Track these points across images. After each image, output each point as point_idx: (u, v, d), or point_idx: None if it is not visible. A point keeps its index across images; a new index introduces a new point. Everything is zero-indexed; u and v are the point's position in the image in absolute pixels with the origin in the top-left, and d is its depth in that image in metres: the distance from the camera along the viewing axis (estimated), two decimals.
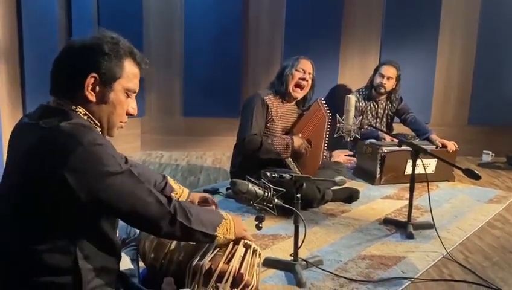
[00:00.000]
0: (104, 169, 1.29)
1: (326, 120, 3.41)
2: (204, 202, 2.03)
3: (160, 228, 1.42)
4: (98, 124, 1.42)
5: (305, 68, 3.47)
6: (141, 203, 1.36)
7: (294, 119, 3.61)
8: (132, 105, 1.47)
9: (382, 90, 4.47)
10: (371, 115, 4.57)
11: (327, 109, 3.44)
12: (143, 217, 1.38)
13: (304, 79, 3.46)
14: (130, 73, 1.42)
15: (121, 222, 1.49)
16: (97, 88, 1.37)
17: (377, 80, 4.48)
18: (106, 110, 1.42)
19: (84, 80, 1.36)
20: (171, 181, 2.02)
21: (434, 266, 2.61)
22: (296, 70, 3.46)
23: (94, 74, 1.36)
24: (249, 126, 3.36)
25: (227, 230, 1.62)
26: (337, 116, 3.23)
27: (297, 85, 3.48)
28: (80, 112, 1.37)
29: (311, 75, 3.51)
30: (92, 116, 1.40)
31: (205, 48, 5.09)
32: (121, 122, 1.47)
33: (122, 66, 1.39)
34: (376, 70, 4.56)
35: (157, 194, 1.42)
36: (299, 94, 3.51)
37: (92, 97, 1.37)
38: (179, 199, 1.98)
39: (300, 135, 3.48)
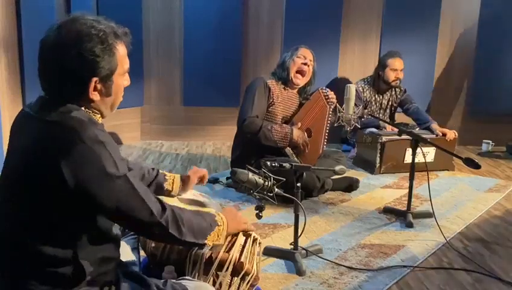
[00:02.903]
0: (102, 170, 1.27)
1: (328, 110, 3.39)
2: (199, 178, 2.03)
3: (150, 235, 1.44)
4: (98, 112, 1.41)
5: (305, 55, 3.51)
6: (131, 210, 1.34)
7: (296, 107, 3.61)
8: (126, 79, 1.45)
9: (399, 83, 4.50)
10: (375, 106, 4.57)
11: (329, 98, 3.42)
12: (133, 223, 1.38)
13: (305, 64, 3.48)
14: (122, 57, 1.39)
15: None
16: (99, 87, 1.36)
17: (391, 76, 4.43)
18: (110, 101, 1.42)
19: (85, 86, 1.34)
20: (162, 171, 2.01)
21: (433, 254, 2.63)
22: (297, 56, 3.50)
23: (95, 78, 1.34)
24: (250, 107, 3.37)
25: (218, 236, 1.58)
26: (337, 105, 3.22)
27: (299, 71, 3.49)
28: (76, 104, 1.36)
29: (312, 62, 3.53)
30: (91, 108, 1.38)
31: (205, 38, 5.05)
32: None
33: (115, 57, 1.37)
34: (383, 64, 4.50)
35: (152, 203, 1.38)
36: (300, 81, 3.51)
37: (96, 97, 1.36)
38: (173, 186, 1.97)
39: (299, 124, 3.47)
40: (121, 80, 1.42)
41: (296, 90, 3.61)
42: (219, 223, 1.59)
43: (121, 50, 1.39)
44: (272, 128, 3.35)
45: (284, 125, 3.46)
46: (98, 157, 1.27)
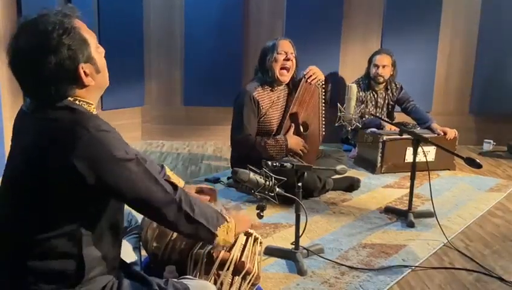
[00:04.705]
0: (113, 155, 1.29)
1: (319, 90, 3.37)
2: (200, 192, 2.00)
3: (165, 215, 1.41)
4: (92, 102, 1.40)
5: (286, 49, 3.41)
6: (147, 190, 1.36)
7: (285, 98, 3.56)
8: (101, 51, 1.43)
9: (381, 80, 4.46)
10: (371, 105, 4.56)
11: (314, 79, 3.44)
12: (149, 204, 1.39)
13: (288, 60, 3.40)
14: (86, 32, 1.38)
15: None
16: (88, 70, 1.36)
17: (373, 71, 4.46)
18: (100, 78, 1.41)
19: (77, 77, 1.34)
20: (168, 172, 2.01)
21: (435, 254, 2.63)
22: (278, 53, 3.40)
23: (81, 64, 1.34)
24: (240, 126, 3.36)
25: (227, 233, 1.58)
26: (338, 105, 3.22)
27: (283, 68, 3.42)
28: (70, 99, 1.35)
29: (293, 54, 3.44)
30: (84, 99, 1.37)
31: (206, 37, 5.05)
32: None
33: (82, 36, 1.35)
34: (370, 61, 4.54)
35: (163, 182, 1.42)
36: (286, 77, 3.45)
37: (91, 82, 1.37)
38: None
39: (291, 130, 3.45)
40: (98, 53, 1.41)
41: (283, 85, 3.55)
42: (228, 220, 1.59)
43: (80, 25, 1.37)
44: (265, 144, 3.33)
45: (277, 137, 3.40)
46: (106, 145, 1.28)
